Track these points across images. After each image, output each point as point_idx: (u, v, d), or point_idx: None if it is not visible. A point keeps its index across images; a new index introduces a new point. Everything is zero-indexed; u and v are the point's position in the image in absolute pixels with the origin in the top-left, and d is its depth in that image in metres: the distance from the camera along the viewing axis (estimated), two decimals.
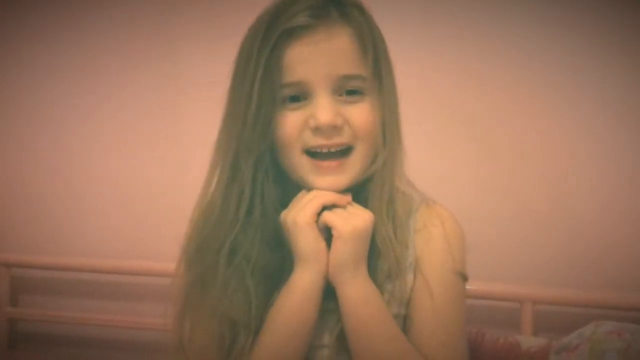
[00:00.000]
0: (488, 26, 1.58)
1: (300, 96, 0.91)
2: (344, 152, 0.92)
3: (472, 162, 1.59)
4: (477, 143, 1.59)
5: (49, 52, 1.83)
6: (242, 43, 0.94)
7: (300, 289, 0.90)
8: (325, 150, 0.91)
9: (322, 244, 0.90)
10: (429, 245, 0.94)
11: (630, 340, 1.11)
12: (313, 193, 0.91)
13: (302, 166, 0.92)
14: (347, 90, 0.91)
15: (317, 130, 0.90)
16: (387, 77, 0.95)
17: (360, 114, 0.92)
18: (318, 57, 0.90)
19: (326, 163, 0.91)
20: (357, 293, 0.89)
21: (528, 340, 1.27)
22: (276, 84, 0.90)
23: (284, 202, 0.94)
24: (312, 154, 0.92)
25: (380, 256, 0.92)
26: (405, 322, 0.93)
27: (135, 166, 1.79)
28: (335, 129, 0.90)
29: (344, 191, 0.92)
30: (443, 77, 1.60)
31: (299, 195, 0.93)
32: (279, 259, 0.93)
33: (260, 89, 0.89)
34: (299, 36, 0.90)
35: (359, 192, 0.95)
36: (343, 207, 0.92)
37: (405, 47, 1.47)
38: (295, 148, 0.92)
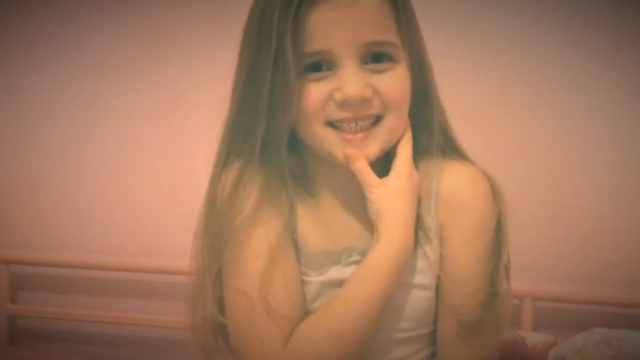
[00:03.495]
0: (489, 23, 1.57)
1: (323, 65, 0.84)
2: (372, 122, 0.86)
3: (475, 158, 1.59)
4: (476, 139, 1.58)
5: (49, 51, 1.82)
6: (252, 8, 0.87)
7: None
8: (352, 124, 0.85)
9: None
10: (454, 214, 0.89)
11: (620, 346, 1.11)
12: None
13: (327, 139, 0.86)
14: (375, 57, 0.84)
15: (344, 103, 0.83)
16: (417, 41, 0.89)
17: (391, 83, 0.85)
18: (344, 22, 0.82)
19: (351, 136, 0.85)
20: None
21: (533, 337, 1.27)
22: (299, 53, 0.82)
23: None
24: (337, 126, 0.85)
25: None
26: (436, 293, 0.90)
27: (136, 163, 1.79)
28: (364, 101, 0.84)
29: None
30: (443, 76, 1.59)
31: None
32: None
33: (284, 58, 0.81)
34: (323, 1, 0.82)
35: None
36: None
37: None
38: (318, 121, 0.85)
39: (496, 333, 0.90)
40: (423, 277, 0.90)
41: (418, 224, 0.89)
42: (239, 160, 0.89)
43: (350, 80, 0.83)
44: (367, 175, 0.87)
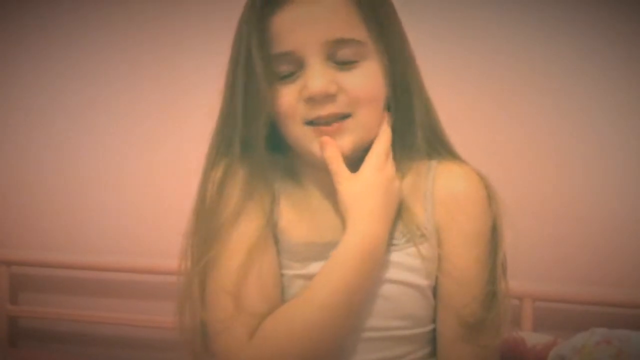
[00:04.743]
0: (490, 22, 1.57)
1: (294, 69, 0.86)
2: (342, 118, 0.87)
3: (472, 159, 1.59)
4: (477, 139, 1.59)
5: (48, 52, 1.83)
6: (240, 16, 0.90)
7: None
8: (323, 121, 0.86)
9: None
10: (453, 216, 0.89)
11: (620, 345, 1.11)
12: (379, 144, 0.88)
13: (306, 137, 0.87)
14: (342, 55, 0.85)
15: (310, 100, 0.85)
16: (393, 36, 0.89)
17: (359, 80, 0.86)
18: (307, 22, 0.84)
19: (325, 128, 0.86)
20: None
21: (533, 337, 1.27)
22: (268, 58, 0.85)
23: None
24: (314, 123, 0.87)
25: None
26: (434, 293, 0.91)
27: (136, 163, 1.79)
28: (328, 97, 0.85)
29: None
30: (442, 75, 1.59)
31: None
32: None
33: (251, 64, 0.85)
34: (285, 2, 0.85)
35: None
36: None
37: None
38: (295, 122, 0.87)
39: (497, 333, 0.90)
40: (415, 276, 0.89)
41: (411, 223, 0.89)
42: (224, 161, 0.90)
43: (313, 77, 0.84)
44: (337, 165, 0.87)
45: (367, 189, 0.87)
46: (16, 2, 1.84)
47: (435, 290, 0.91)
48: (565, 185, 1.55)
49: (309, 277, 0.88)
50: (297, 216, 0.92)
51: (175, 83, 1.75)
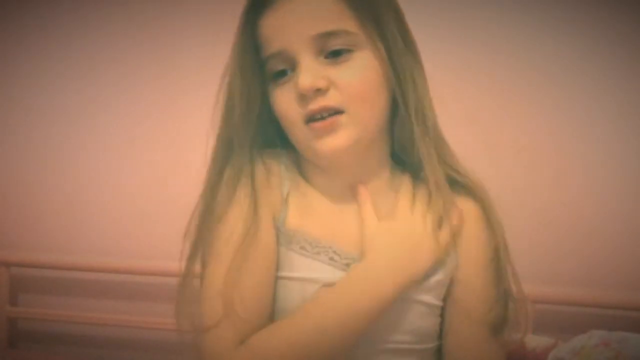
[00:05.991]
0: (489, 23, 1.57)
1: (288, 68, 0.86)
2: (336, 113, 0.85)
3: (472, 159, 1.58)
4: (477, 141, 1.59)
5: (48, 52, 1.83)
6: None
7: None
8: (318, 117, 0.85)
9: None
10: (468, 246, 0.92)
11: (619, 348, 1.11)
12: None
13: (306, 137, 0.87)
14: (334, 51, 0.84)
15: (302, 97, 0.84)
16: (387, 24, 0.87)
17: (349, 73, 0.85)
18: (293, 19, 0.84)
19: (319, 124, 0.85)
20: None
21: (532, 340, 1.27)
22: (262, 59, 0.86)
23: None
24: (311, 121, 0.86)
25: None
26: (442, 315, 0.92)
27: (137, 165, 1.79)
28: (318, 92, 0.84)
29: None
30: (442, 75, 1.59)
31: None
32: None
33: (245, 67, 0.86)
34: (272, 4, 0.85)
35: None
36: None
37: None
38: (295, 122, 0.86)
39: (511, 340, 0.93)
40: (429, 296, 0.90)
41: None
42: (227, 163, 0.90)
43: (302, 73, 0.84)
44: (365, 210, 0.89)
45: (387, 241, 0.87)
46: (16, 2, 1.84)
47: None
48: (565, 187, 1.55)
49: (312, 281, 0.87)
50: (309, 214, 0.91)
51: (175, 83, 1.75)
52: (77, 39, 1.81)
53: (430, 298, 0.90)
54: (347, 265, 0.88)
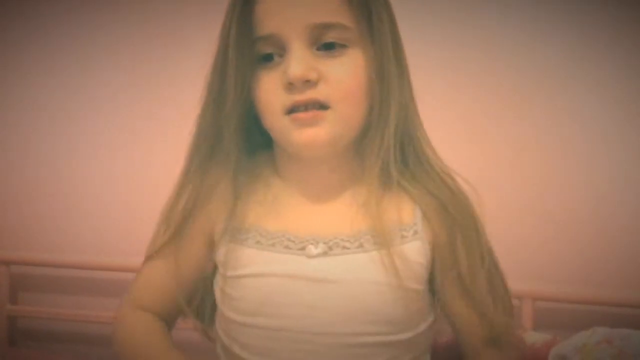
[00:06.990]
0: (486, 23, 1.57)
1: (275, 53, 0.84)
2: (321, 107, 0.83)
3: (471, 160, 1.59)
4: (476, 141, 1.59)
5: (47, 51, 1.83)
6: None
7: None
8: (302, 107, 0.83)
9: None
10: (447, 236, 0.91)
11: (621, 345, 1.11)
12: None
13: (284, 127, 0.84)
14: (327, 44, 0.83)
15: (289, 86, 0.82)
16: (380, 24, 0.85)
17: (340, 69, 0.83)
18: (290, 5, 0.82)
19: (301, 114, 0.82)
20: None
21: (531, 336, 1.27)
22: (250, 40, 0.83)
23: None
24: (292, 112, 0.84)
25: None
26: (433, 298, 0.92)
27: (135, 164, 1.79)
28: (307, 83, 0.81)
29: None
30: (442, 75, 1.59)
31: None
32: None
33: (234, 48, 0.83)
34: None
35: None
36: None
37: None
38: (275, 111, 0.84)
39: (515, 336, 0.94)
40: (394, 276, 0.87)
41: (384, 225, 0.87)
42: (213, 157, 0.94)
43: (293, 61, 0.81)
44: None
45: None
46: (16, 2, 1.84)
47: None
48: (566, 184, 1.55)
49: (294, 277, 0.86)
50: (273, 209, 0.90)
51: (175, 83, 1.75)
52: (77, 39, 1.81)
53: (397, 280, 0.86)
54: (303, 249, 0.87)
